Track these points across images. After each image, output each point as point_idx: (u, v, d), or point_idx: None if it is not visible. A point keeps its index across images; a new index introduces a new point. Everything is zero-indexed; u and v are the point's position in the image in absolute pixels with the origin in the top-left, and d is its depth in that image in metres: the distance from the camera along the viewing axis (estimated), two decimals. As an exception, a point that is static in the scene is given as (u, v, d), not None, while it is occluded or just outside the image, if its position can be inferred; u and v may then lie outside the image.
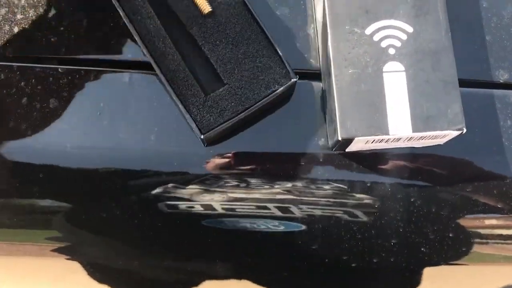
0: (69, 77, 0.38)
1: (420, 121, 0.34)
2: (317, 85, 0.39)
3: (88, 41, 0.39)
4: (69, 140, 0.38)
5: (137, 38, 0.35)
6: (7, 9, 0.39)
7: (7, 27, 0.39)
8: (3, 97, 0.38)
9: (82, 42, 0.39)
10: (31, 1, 0.40)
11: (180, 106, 0.34)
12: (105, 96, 0.38)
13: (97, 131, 0.37)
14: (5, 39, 0.39)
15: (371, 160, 0.39)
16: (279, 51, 0.35)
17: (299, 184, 0.38)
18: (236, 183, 0.38)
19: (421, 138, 0.34)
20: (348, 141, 0.34)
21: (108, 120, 0.37)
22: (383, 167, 0.40)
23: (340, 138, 0.33)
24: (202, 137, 0.34)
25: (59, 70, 0.39)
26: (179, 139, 0.37)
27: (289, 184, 0.38)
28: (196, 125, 0.34)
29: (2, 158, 0.38)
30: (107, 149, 0.38)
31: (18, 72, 0.39)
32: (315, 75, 0.39)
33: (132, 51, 0.39)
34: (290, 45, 0.39)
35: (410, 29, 0.35)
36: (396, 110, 0.34)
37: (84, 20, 0.39)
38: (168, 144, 0.38)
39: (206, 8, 0.36)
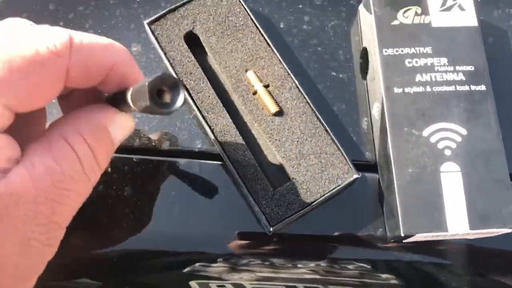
0: (143, 166, 0.42)
1: (477, 219, 0.36)
2: (371, 177, 0.41)
3: (166, 131, 0.42)
4: (142, 226, 0.40)
5: (210, 134, 0.38)
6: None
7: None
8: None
9: (158, 133, 0.42)
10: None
11: (250, 199, 0.37)
12: (177, 185, 0.41)
13: (167, 218, 0.40)
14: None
15: (422, 246, 0.41)
16: (341, 148, 0.38)
17: (353, 268, 0.40)
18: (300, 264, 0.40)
19: (476, 233, 0.37)
20: (408, 236, 0.36)
21: (178, 209, 0.40)
22: (433, 252, 0.42)
23: (402, 234, 0.35)
24: (271, 229, 0.36)
25: (134, 159, 0.42)
26: (245, 226, 0.40)
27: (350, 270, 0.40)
28: (265, 217, 0.37)
29: (78, 242, 0.40)
30: (177, 234, 0.40)
31: (95, 159, 0.42)
32: (369, 167, 0.42)
33: (202, 142, 0.42)
34: (346, 138, 0.42)
35: (464, 131, 0.38)
36: (454, 208, 0.36)
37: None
38: (234, 230, 0.40)
39: (274, 108, 0.39)
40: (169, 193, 0.41)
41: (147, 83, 0.22)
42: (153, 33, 0.41)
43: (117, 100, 0.26)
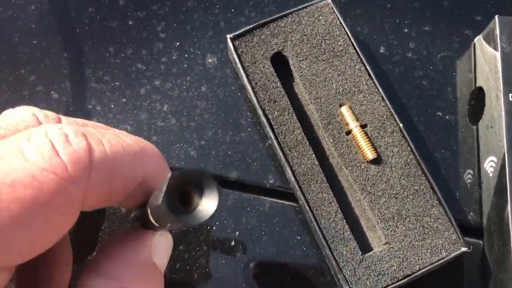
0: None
1: None
2: (473, 244, 0.35)
3: (234, 160, 0.36)
4: (195, 266, 0.35)
5: (291, 176, 0.33)
6: (147, 114, 0.38)
7: (145, 133, 0.37)
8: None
9: (226, 160, 0.36)
10: (173, 109, 0.38)
11: (333, 262, 0.31)
12: (241, 223, 0.35)
13: (227, 261, 0.34)
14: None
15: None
16: (448, 213, 0.32)
17: None
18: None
19: None
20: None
21: (241, 253, 0.34)
22: None
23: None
24: (356, 303, 0.30)
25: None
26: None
27: None
28: (350, 287, 0.30)
29: None
30: (235, 283, 0.35)
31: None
32: (471, 230, 0.35)
33: (274, 178, 0.36)
34: (446, 192, 0.35)
35: None
36: None
37: (230, 136, 0.37)
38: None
39: (371, 153, 0.33)
40: (232, 233, 0.35)
41: (163, 191, 0.16)
42: (235, 50, 0.35)
43: (146, 216, 0.20)
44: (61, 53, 0.39)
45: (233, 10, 0.40)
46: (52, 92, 0.38)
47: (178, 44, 0.39)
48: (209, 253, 0.35)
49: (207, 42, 0.39)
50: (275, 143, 0.34)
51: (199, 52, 0.39)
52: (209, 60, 0.39)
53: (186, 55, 0.39)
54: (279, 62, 0.36)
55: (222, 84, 0.38)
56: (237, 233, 0.35)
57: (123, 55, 0.39)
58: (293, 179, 0.33)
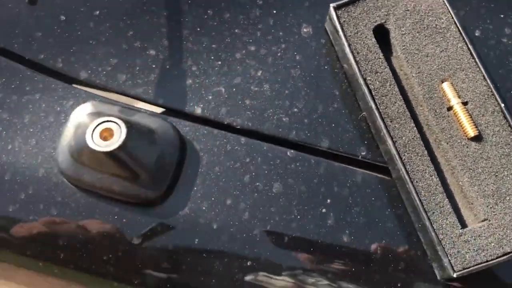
0: (297, 163, 0.36)
1: None
2: None
3: (326, 129, 0.37)
4: (285, 230, 0.35)
5: (391, 147, 0.33)
6: (241, 78, 0.38)
7: (239, 97, 0.38)
8: (226, 170, 0.36)
9: (318, 129, 0.36)
10: (267, 76, 0.38)
11: (432, 234, 0.31)
12: (332, 192, 0.35)
13: (317, 228, 0.35)
14: (235, 109, 0.37)
15: None
16: (548, 195, 0.32)
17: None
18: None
19: None
20: None
21: (332, 220, 0.35)
22: None
23: None
24: (454, 275, 0.30)
25: (288, 153, 0.37)
26: (408, 262, 0.34)
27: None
28: (449, 260, 0.31)
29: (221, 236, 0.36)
30: (324, 249, 0.35)
31: (245, 147, 0.37)
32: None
33: (367, 149, 0.36)
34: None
35: None
36: None
37: (322, 106, 0.37)
38: (394, 262, 0.34)
39: (472, 130, 0.33)
40: (323, 201, 0.35)
41: None
42: (338, 19, 0.35)
43: None
44: (160, 11, 0.39)
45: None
46: (149, 49, 0.38)
47: (274, 12, 0.40)
48: (301, 219, 0.35)
49: (303, 12, 0.40)
50: (376, 114, 0.34)
51: (294, 21, 0.40)
52: (305, 30, 0.39)
53: (282, 23, 0.39)
54: (380, 35, 0.36)
55: (316, 54, 0.39)
56: (328, 200, 0.36)
57: (221, 18, 0.39)
58: (393, 150, 0.33)
